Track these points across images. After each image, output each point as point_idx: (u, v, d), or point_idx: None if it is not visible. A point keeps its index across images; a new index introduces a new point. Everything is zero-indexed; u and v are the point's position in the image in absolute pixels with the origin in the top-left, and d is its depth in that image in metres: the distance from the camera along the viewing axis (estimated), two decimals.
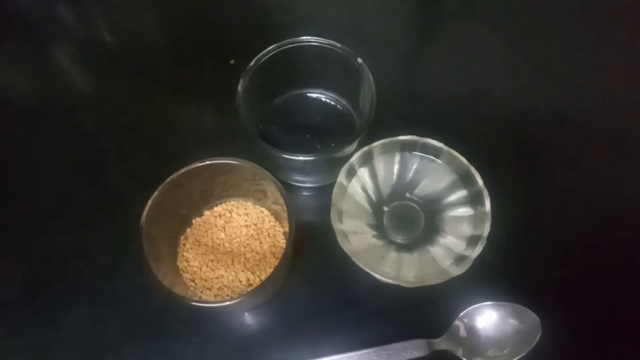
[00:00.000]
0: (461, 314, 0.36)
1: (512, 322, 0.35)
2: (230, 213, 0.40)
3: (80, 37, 0.52)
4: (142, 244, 0.32)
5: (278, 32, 0.43)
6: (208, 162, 0.35)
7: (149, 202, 0.33)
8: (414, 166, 0.39)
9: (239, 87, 0.37)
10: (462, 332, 0.35)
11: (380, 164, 0.39)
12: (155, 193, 0.34)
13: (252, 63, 0.38)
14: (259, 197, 0.40)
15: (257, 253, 0.38)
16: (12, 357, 0.37)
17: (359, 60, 0.39)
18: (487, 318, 0.36)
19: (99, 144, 0.45)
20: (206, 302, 0.33)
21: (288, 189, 0.37)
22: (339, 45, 0.39)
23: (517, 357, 0.34)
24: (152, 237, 0.34)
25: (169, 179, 0.34)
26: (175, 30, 0.51)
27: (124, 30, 0.52)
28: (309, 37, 0.39)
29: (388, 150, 0.39)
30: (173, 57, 0.50)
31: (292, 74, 0.43)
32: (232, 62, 0.47)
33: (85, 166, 0.44)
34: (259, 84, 0.40)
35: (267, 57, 0.39)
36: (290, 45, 0.40)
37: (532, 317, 0.35)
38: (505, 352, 0.35)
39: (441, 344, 0.35)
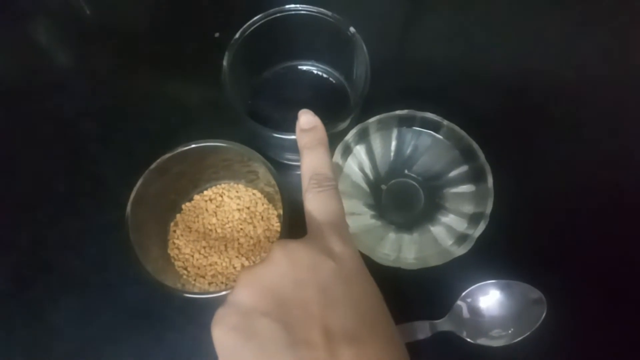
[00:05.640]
0: (463, 294, 0.35)
1: (517, 300, 0.34)
2: (222, 197, 0.38)
3: (57, 13, 0.48)
4: (129, 236, 0.31)
5: (264, 1, 0.40)
6: (193, 146, 0.33)
7: (133, 192, 0.32)
8: (413, 142, 0.37)
9: (224, 62, 0.35)
10: (465, 312, 0.34)
11: (377, 141, 0.37)
12: (140, 181, 0.32)
13: (237, 35, 0.36)
14: (252, 179, 0.38)
15: (251, 238, 0.37)
16: (1, 352, 0.36)
17: (352, 29, 0.36)
18: (491, 297, 0.35)
19: (79, 127, 0.42)
20: (199, 292, 0.31)
21: (281, 169, 0.35)
22: (329, 13, 0.36)
23: (523, 336, 0.33)
24: (140, 226, 0.32)
25: (152, 166, 0.32)
26: (157, 3, 0.48)
27: (102, 4, 0.48)
28: (297, 6, 0.36)
29: (385, 126, 0.37)
30: (155, 31, 0.47)
31: (281, 46, 0.40)
32: (217, 34, 0.44)
33: (67, 151, 0.41)
34: (246, 58, 0.37)
35: (253, 28, 0.36)
36: (277, 15, 0.37)
37: (537, 294, 0.34)
38: (510, 331, 0.34)
39: (444, 324, 0.34)
